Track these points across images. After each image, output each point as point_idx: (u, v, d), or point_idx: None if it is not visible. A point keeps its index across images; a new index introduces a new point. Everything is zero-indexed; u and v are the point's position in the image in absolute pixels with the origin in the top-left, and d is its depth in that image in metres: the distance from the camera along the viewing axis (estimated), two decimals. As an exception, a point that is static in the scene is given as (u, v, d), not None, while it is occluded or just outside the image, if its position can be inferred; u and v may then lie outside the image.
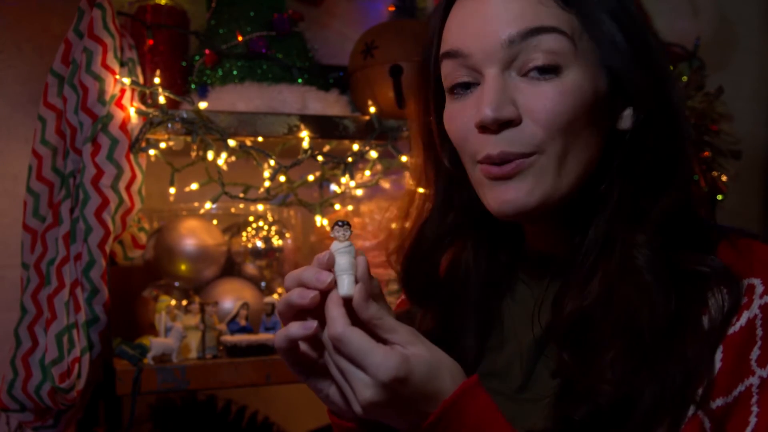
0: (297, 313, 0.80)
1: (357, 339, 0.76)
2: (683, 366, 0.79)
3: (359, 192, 1.69)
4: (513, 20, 0.83)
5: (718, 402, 0.79)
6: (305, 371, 0.84)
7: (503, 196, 0.85)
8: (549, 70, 0.83)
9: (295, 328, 0.79)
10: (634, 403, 0.79)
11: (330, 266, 0.78)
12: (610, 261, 0.84)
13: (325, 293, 0.79)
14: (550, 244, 0.94)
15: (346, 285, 0.77)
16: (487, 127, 0.84)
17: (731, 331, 0.81)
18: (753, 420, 0.78)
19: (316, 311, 0.80)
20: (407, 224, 1.00)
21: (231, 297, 1.73)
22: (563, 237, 0.91)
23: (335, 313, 0.78)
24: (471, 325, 0.97)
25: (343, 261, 0.78)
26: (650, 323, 0.80)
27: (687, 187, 0.88)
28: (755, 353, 0.80)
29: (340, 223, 0.79)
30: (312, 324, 0.78)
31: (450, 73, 0.88)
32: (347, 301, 0.78)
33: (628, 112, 0.88)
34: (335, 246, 0.79)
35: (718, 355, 0.80)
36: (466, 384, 0.80)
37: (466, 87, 0.87)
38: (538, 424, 0.84)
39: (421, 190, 1.01)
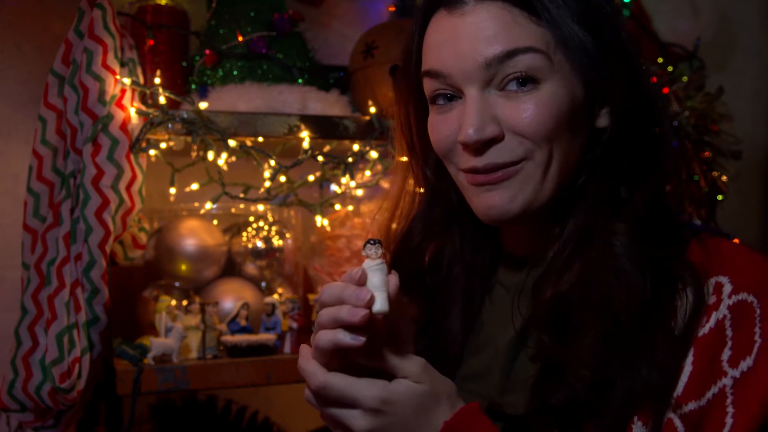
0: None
1: (339, 381, 0.80)
2: (652, 363, 0.80)
3: (359, 192, 1.69)
4: (490, 42, 0.85)
5: (691, 406, 0.79)
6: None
7: (488, 202, 0.88)
8: (526, 83, 0.85)
9: (346, 337, 0.79)
10: (605, 392, 0.80)
11: (362, 283, 0.80)
12: (590, 248, 0.86)
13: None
14: (527, 246, 0.96)
15: (380, 302, 0.79)
16: (470, 146, 0.86)
17: (701, 333, 0.82)
18: (729, 421, 0.78)
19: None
20: (393, 225, 1.03)
21: (231, 297, 1.73)
22: (540, 239, 0.93)
23: (311, 366, 0.82)
24: (456, 317, 0.99)
25: (376, 278, 0.80)
26: (626, 307, 0.81)
27: (664, 179, 0.90)
28: (726, 354, 0.80)
29: (372, 242, 0.81)
30: (362, 339, 0.79)
31: (431, 89, 0.91)
32: (381, 317, 0.80)
33: (605, 111, 0.90)
34: (367, 264, 0.81)
35: (689, 358, 0.81)
36: (465, 409, 0.82)
37: (449, 99, 0.90)
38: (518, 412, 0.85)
39: (409, 187, 1.03)
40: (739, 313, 0.81)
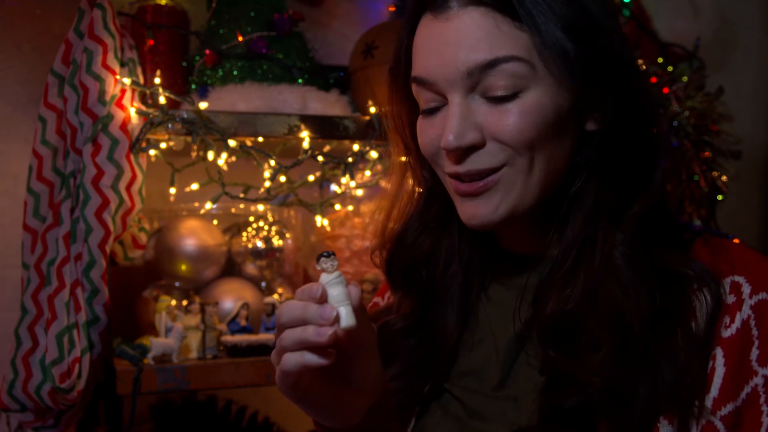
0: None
1: None
2: (675, 365, 0.80)
3: (359, 192, 1.69)
4: (471, 50, 0.84)
5: (729, 407, 0.80)
6: (298, 395, 0.83)
7: (471, 211, 0.88)
8: (510, 95, 0.84)
9: (314, 358, 0.77)
10: (625, 398, 0.80)
11: (324, 300, 0.77)
12: (591, 261, 0.85)
13: None
14: (524, 244, 0.95)
15: (345, 317, 0.76)
16: (450, 152, 0.86)
17: (727, 334, 0.82)
18: (765, 420, 0.79)
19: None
20: (390, 224, 1.02)
21: (231, 297, 1.73)
22: (537, 237, 0.92)
23: None
24: (451, 313, 0.98)
25: (336, 292, 0.77)
26: (638, 317, 0.81)
27: (663, 184, 0.89)
28: (754, 353, 0.81)
29: (326, 254, 0.77)
30: (330, 358, 0.77)
31: (419, 95, 0.91)
32: (348, 332, 0.76)
33: (593, 116, 0.88)
34: (325, 278, 0.77)
35: (720, 360, 0.81)
36: None
37: (436, 108, 0.90)
38: (521, 420, 0.85)
39: (407, 186, 1.03)
40: (761, 312, 0.82)
